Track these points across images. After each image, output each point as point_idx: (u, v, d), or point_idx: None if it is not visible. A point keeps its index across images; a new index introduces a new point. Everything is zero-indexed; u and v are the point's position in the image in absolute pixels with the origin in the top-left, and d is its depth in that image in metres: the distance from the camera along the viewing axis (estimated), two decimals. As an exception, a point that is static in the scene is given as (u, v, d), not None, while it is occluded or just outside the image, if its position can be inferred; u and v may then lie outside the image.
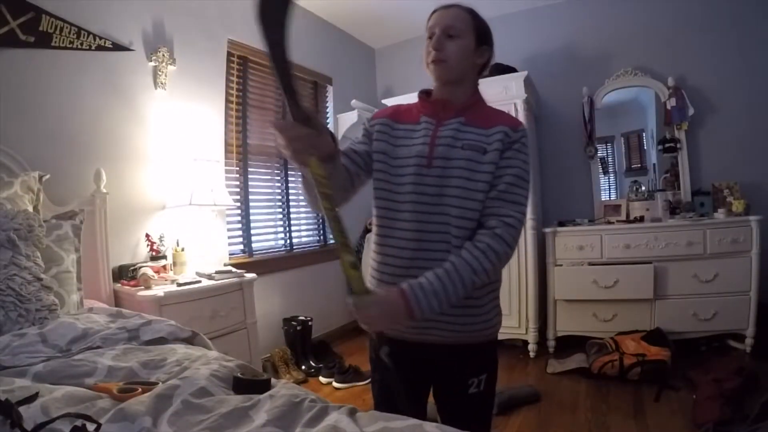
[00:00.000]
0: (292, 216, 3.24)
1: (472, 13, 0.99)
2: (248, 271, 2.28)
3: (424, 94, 1.04)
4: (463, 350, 0.98)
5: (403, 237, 0.94)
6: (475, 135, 0.95)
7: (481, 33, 0.99)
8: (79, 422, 0.68)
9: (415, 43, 4.04)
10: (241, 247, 2.85)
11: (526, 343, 2.84)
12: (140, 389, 0.90)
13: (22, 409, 0.75)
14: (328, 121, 3.65)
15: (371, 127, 1.05)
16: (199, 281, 2.07)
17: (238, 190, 2.81)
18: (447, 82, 0.99)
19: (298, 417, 0.73)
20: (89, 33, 2.01)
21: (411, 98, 1.10)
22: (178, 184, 2.29)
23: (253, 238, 2.91)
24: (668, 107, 3.00)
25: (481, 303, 0.97)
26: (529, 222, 2.79)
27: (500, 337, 1.15)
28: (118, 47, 2.13)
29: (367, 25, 3.78)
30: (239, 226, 2.85)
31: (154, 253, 2.16)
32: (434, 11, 1.00)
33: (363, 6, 3.43)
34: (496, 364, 1.06)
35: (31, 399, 0.82)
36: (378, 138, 1.02)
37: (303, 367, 2.72)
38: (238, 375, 0.99)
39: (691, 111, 2.97)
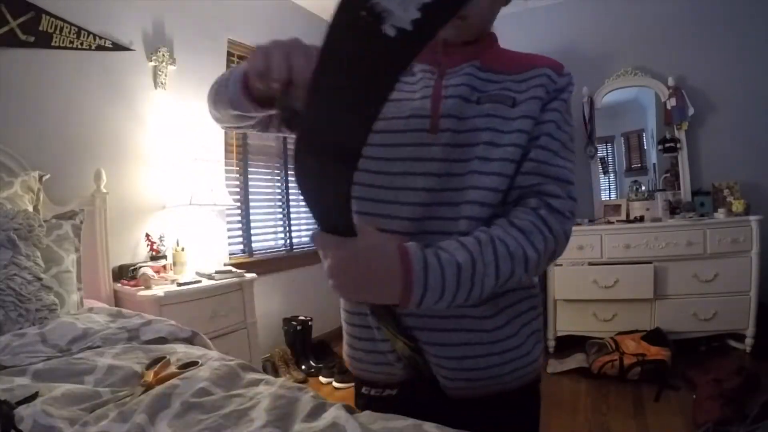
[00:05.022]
0: (292, 216, 3.24)
1: None
2: (248, 271, 2.28)
3: None
4: (489, 402, 0.65)
5: (399, 232, 0.61)
6: (496, 84, 0.64)
7: None
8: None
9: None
10: (241, 247, 2.85)
11: (526, 343, 2.84)
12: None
13: (21, 408, 0.76)
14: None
15: None
16: (199, 281, 2.07)
17: (238, 190, 2.81)
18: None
19: (297, 414, 0.74)
20: (89, 33, 2.01)
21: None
22: (178, 184, 2.29)
23: (253, 238, 2.91)
24: (668, 107, 2.99)
25: (512, 330, 0.65)
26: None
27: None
28: (118, 47, 2.13)
29: (367, 25, 3.78)
30: (239, 226, 2.85)
31: (154, 253, 2.16)
32: None
33: (363, 6, 3.43)
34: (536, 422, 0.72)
35: (30, 399, 0.82)
36: None
37: (303, 367, 2.71)
38: None
39: (691, 111, 2.97)
